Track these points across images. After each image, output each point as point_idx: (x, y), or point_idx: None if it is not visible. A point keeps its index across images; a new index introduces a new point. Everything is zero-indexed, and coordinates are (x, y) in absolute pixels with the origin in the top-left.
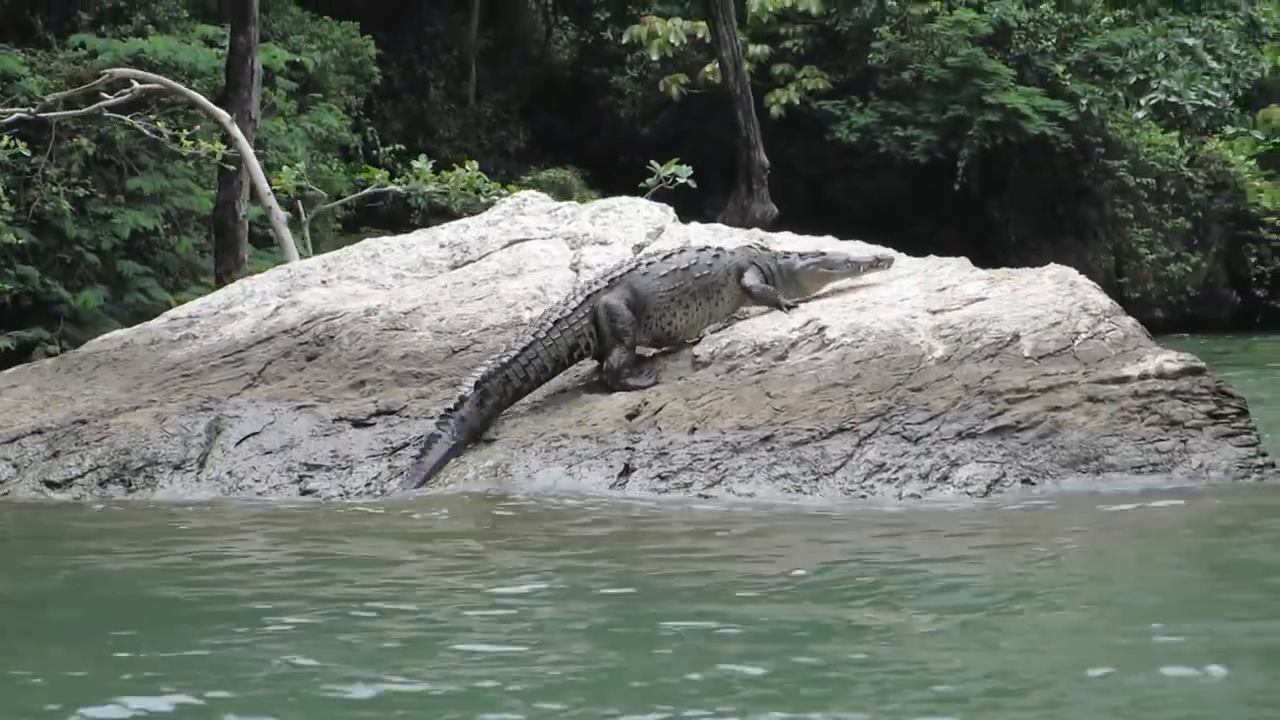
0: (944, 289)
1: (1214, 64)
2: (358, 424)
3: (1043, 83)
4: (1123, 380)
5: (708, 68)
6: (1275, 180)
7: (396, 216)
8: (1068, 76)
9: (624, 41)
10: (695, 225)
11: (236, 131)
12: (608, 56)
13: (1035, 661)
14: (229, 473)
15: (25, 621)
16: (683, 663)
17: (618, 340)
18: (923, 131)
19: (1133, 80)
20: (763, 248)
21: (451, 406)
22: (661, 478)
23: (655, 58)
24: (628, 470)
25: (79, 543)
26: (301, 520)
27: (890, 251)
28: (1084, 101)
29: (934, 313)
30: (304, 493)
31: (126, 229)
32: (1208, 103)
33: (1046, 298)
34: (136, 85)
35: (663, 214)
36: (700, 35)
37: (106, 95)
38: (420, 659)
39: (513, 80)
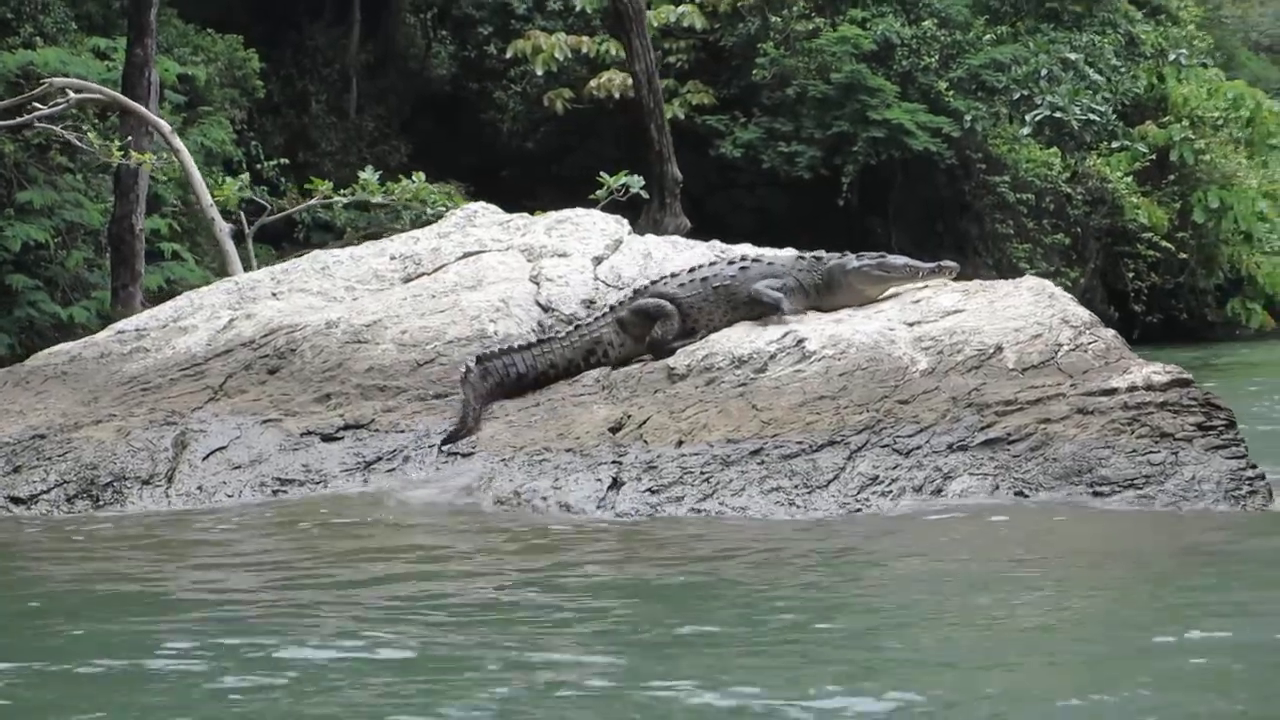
0: (919, 301)
1: (1096, 77)
2: (326, 438)
3: (926, 99)
4: (1111, 392)
5: (593, 82)
6: (1152, 196)
7: (280, 233)
8: (951, 93)
9: (508, 56)
10: (651, 237)
11: (177, 142)
12: (487, 71)
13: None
14: (199, 487)
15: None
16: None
17: (661, 316)
18: (806, 147)
19: (1016, 96)
20: (815, 257)
21: (463, 371)
22: (652, 491)
23: (540, 72)
24: (616, 484)
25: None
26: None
27: (951, 262)
28: (967, 118)
29: (911, 325)
30: None
31: (18, 242)
32: (1092, 117)
33: (1025, 310)
34: (72, 95)
35: (619, 226)
36: (584, 50)
37: (39, 105)
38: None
39: (393, 94)
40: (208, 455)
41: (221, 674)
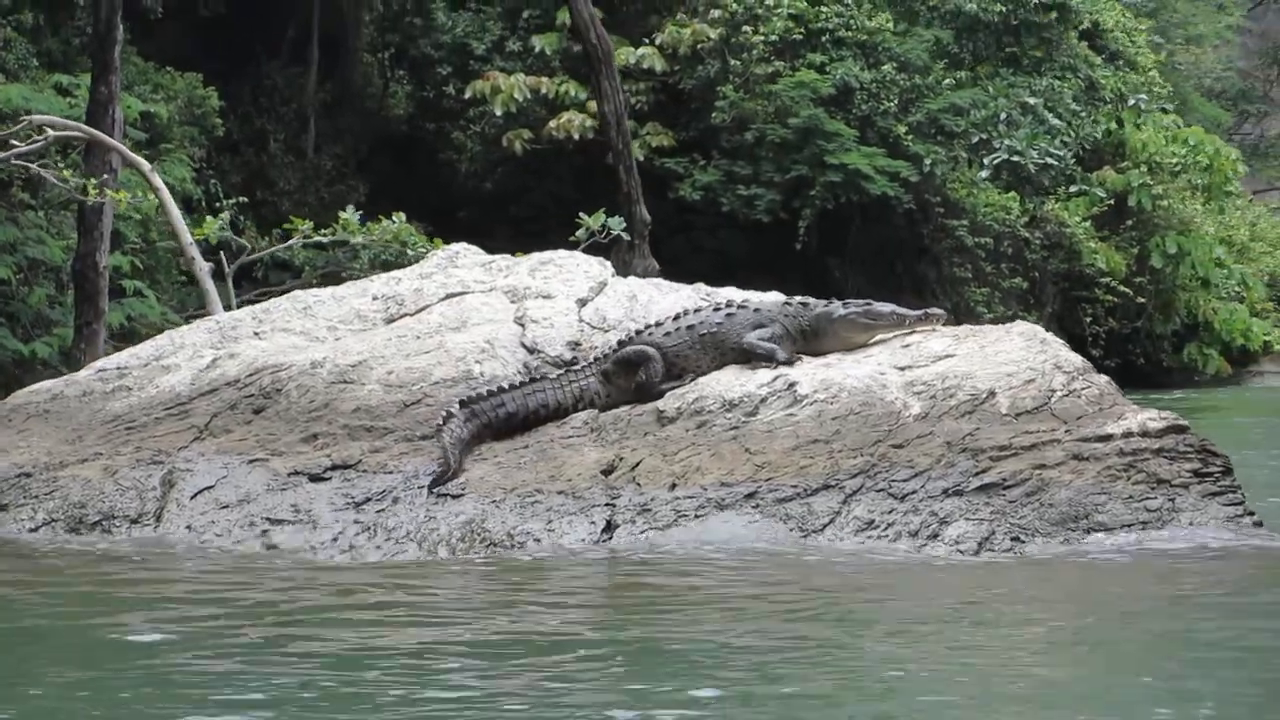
0: (909, 345)
1: (1055, 121)
2: (314, 478)
3: (885, 143)
4: (1106, 438)
5: (552, 123)
6: (1110, 241)
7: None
8: (910, 137)
9: (466, 96)
10: (634, 279)
11: (157, 180)
12: (445, 111)
13: None
14: (188, 527)
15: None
16: None
17: (645, 362)
18: (765, 190)
19: (975, 140)
20: (802, 303)
21: (444, 416)
22: (645, 533)
23: (499, 113)
24: (610, 526)
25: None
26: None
27: (938, 310)
28: (926, 162)
29: (902, 369)
30: (268, 547)
31: None
32: (1050, 161)
33: (1018, 355)
34: (50, 132)
35: (601, 268)
36: (543, 91)
37: (17, 143)
38: None
39: (350, 133)
40: (195, 494)
41: None
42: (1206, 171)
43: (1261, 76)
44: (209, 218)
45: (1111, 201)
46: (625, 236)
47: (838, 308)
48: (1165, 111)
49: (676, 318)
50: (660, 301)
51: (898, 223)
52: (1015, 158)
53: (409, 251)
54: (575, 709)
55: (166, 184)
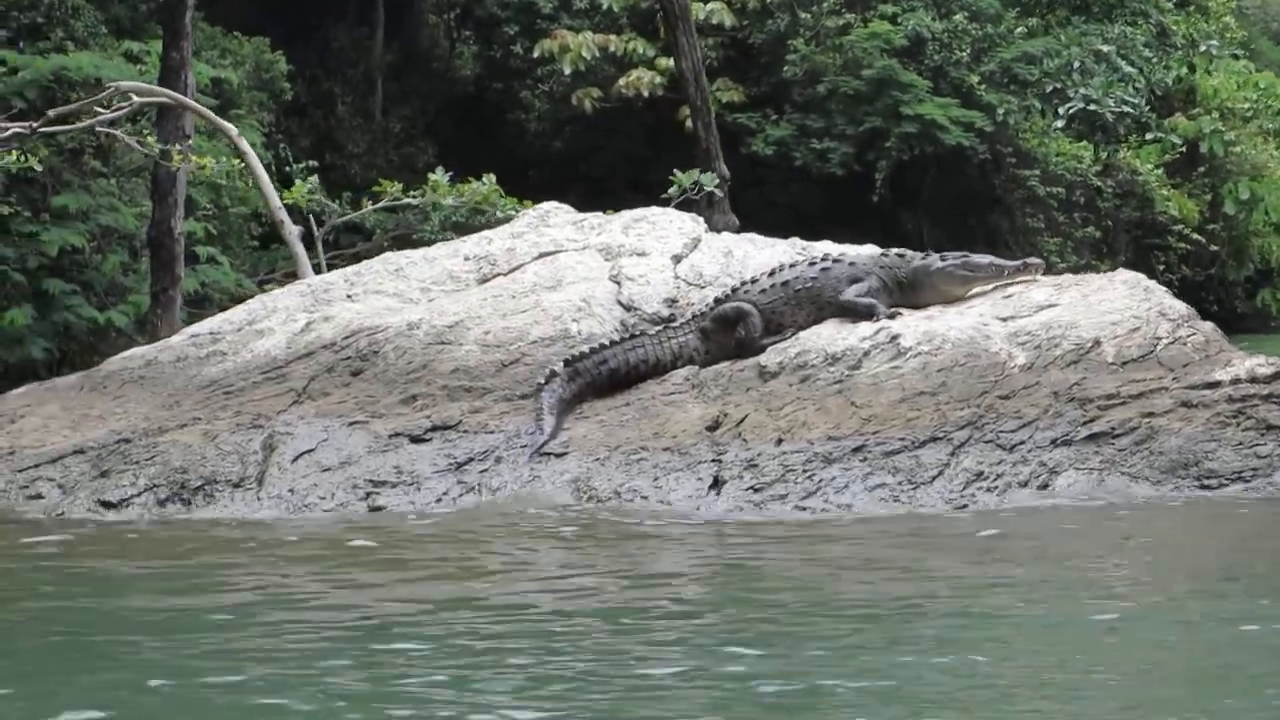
0: (1010, 296)
1: (1128, 68)
2: (415, 439)
3: (958, 93)
4: (1214, 385)
5: (621, 81)
6: (1182, 189)
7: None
8: (983, 87)
9: (535, 55)
10: (729, 235)
11: (245, 145)
12: (512, 71)
13: None
14: (290, 490)
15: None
16: None
17: (744, 318)
18: (838, 144)
19: (1048, 89)
20: (899, 254)
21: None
22: (755, 489)
23: (568, 72)
24: (718, 482)
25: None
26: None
27: (1036, 259)
28: (1000, 111)
29: (1004, 320)
30: (373, 509)
31: (55, 247)
32: (1126, 109)
33: (1121, 303)
34: (135, 99)
35: (695, 224)
36: (612, 49)
37: (102, 110)
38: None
39: (418, 95)
40: (296, 458)
41: None
42: (1279, 116)
43: None
44: (298, 181)
45: (1184, 148)
46: (719, 193)
47: (935, 260)
48: (1236, 57)
49: (772, 274)
50: (756, 257)
51: (970, 174)
52: (1092, 106)
53: (484, 213)
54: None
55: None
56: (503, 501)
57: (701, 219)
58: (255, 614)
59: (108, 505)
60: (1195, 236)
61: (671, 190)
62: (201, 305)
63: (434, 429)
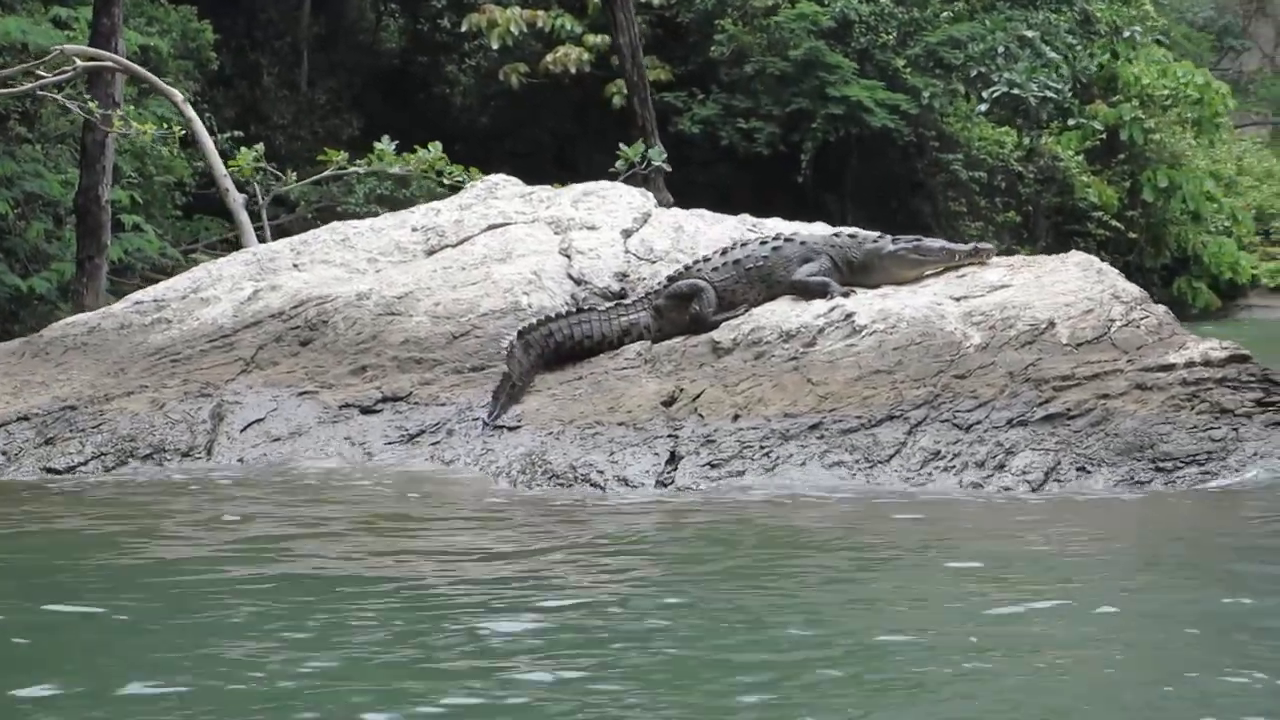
0: (963, 275)
1: (1052, 54)
2: (366, 410)
3: (884, 76)
4: (1169, 368)
5: (549, 57)
6: (1102, 175)
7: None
8: (908, 70)
9: (462, 30)
10: (678, 210)
11: (190, 112)
12: (439, 45)
13: None
14: (240, 460)
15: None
16: None
17: (698, 294)
18: (765, 124)
19: (973, 74)
20: (850, 235)
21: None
22: (712, 465)
23: (495, 47)
24: (675, 458)
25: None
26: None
27: (988, 245)
28: (925, 95)
29: (958, 299)
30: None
31: None
32: (1049, 94)
33: (1075, 285)
34: (79, 64)
35: (644, 199)
36: (539, 24)
37: (44, 74)
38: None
39: (344, 68)
40: (245, 427)
41: None
42: (1197, 105)
43: (1240, 11)
44: (243, 149)
45: (1104, 135)
46: (666, 168)
47: (887, 243)
48: (1159, 44)
49: (724, 252)
50: (706, 232)
51: (893, 157)
52: (1015, 90)
53: (409, 186)
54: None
55: (163, 118)
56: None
57: (650, 194)
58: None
59: (53, 472)
60: (1114, 223)
61: (618, 164)
62: (125, 274)
63: (385, 400)
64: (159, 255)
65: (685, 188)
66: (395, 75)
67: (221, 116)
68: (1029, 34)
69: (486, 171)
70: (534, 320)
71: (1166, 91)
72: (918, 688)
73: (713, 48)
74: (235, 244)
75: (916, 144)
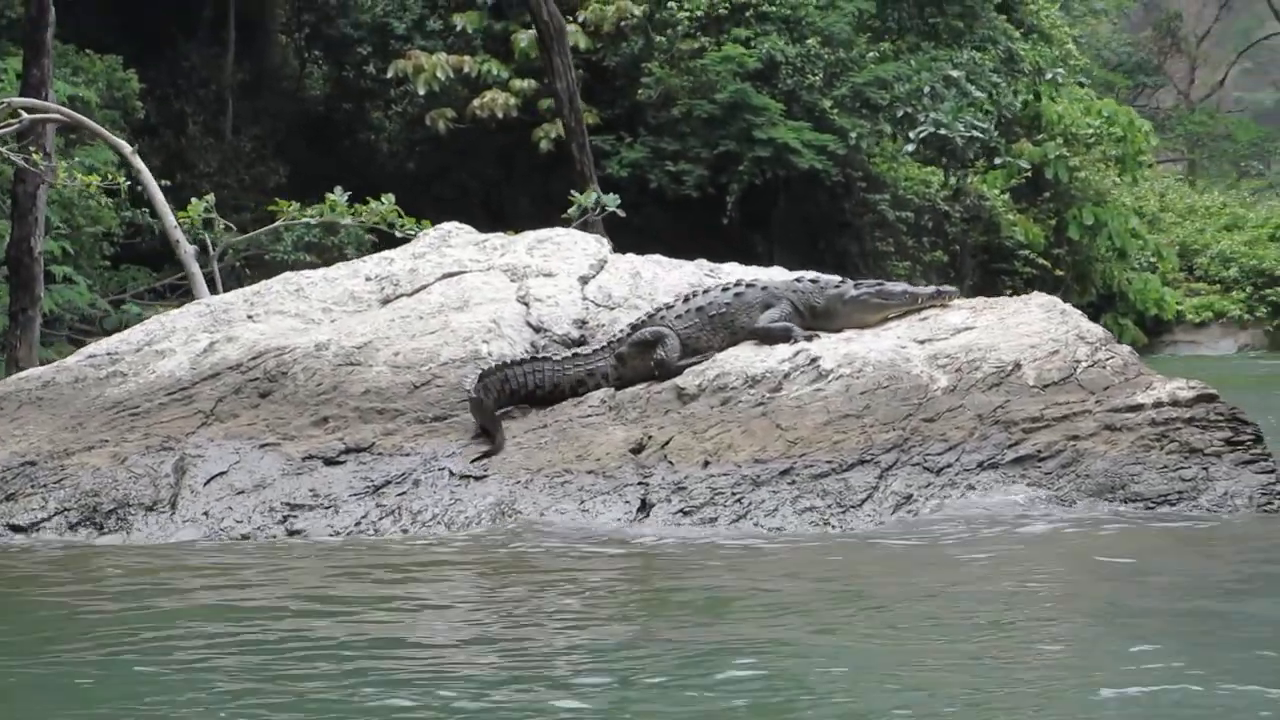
0: (925, 318)
1: (977, 94)
2: (329, 462)
3: (810, 117)
4: (1137, 408)
5: (475, 102)
6: (1028, 214)
7: (157, 253)
8: (835, 111)
9: (389, 76)
10: (634, 256)
11: (139, 163)
12: (364, 91)
13: None
14: (205, 513)
15: None
16: None
17: (660, 342)
18: (693, 166)
19: (899, 114)
20: (812, 280)
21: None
22: (684, 513)
23: (422, 92)
24: (645, 505)
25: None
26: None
27: (950, 288)
28: (852, 135)
29: (922, 342)
30: (290, 534)
31: None
32: (975, 134)
33: (1038, 326)
34: (25, 115)
35: (599, 245)
36: (466, 69)
37: None
38: None
39: (269, 115)
40: (209, 480)
41: None
42: (1120, 143)
43: (1154, 48)
44: (194, 200)
45: (1029, 174)
46: (620, 214)
47: (849, 288)
48: (1081, 84)
49: (686, 299)
50: (664, 278)
51: (821, 198)
52: (942, 130)
53: (337, 233)
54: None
55: (91, 169)
56: (425, 525)
57: (606, 240)
58: None
59: (16, 529)
60: (1041, 261)
61: (571, 211)
62: (54, 325)
63: (348, 451)
64: (88, 306)
65: (614, 231)
66: (320, 122)
67: (148, 165)
68: (954, 74)
69: (416, 216)
70: (493, 364)
71: (1090, 129)
72: None
73: (640, 91)
74: (162, 293)
75: (844, 184)
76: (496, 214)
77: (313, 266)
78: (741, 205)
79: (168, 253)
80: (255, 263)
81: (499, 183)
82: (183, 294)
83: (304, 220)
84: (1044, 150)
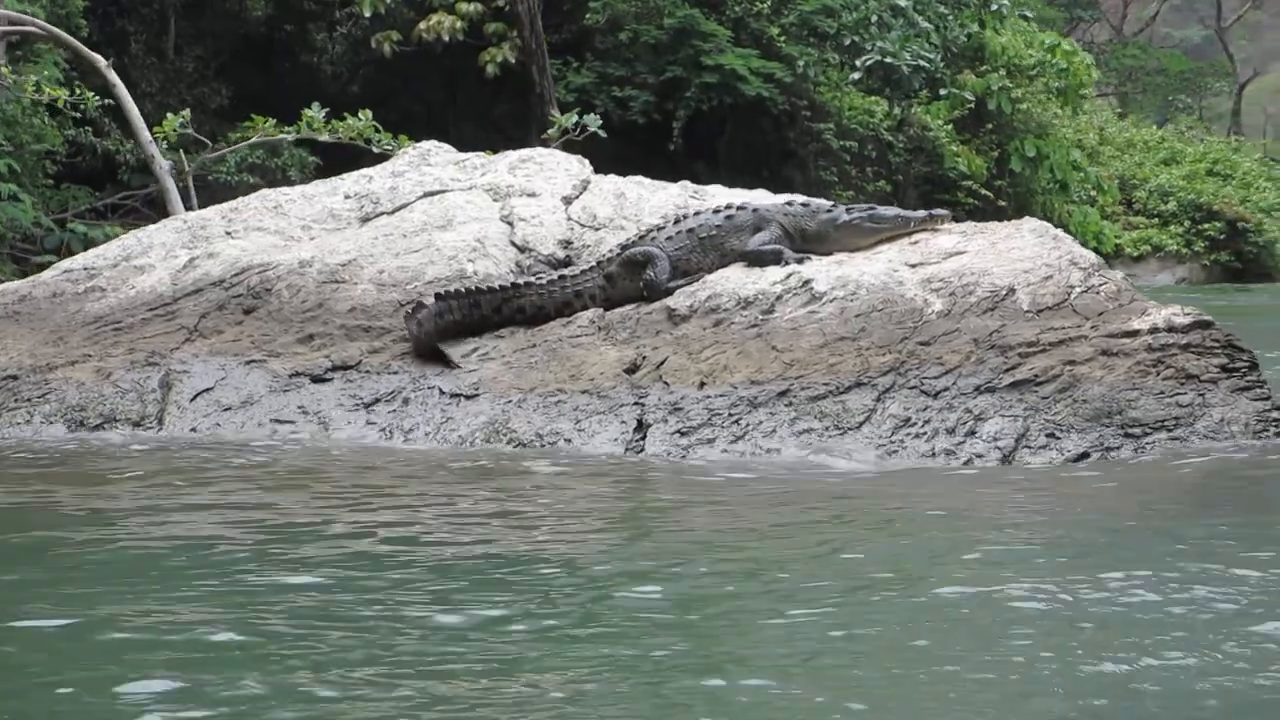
0: (916, 242)
1: (924, 24)
2: (316, 379)
3: (758, 45)
4: (1133, 334)
5: (422, 24)
6: (971, 145)
7: (97, 173)
8: (782, 39)
9: None
10: (615, 177)
11: (114, 77)
12: (306, 13)
13: None
14: (192, 429)
15: None
16: None
17: (650, 262)
18: (640, 92)
19: (847, 43)
20: (803, 204)
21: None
22: (682, 433)
23: (367, 14)
24: (642, 426)
25: None
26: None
27: (943, 210)
28: (800, 64)
29: (913, 266)
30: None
31: None
32: (922, 64)
33: (1031, 251)
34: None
35: (581, 166)
36: None
37: None
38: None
39: (211, 35)
40: (195, 396)
41: None
42: (1062, 75)
43: None
44: (169, 115)
45: (972, 105)
46: (602, 134)
47: (841, 212)
48: (1025, 18)
49: (676, 221)
50: (649, 199)
51: (766, 126)
52: (888, 59)
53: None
54: None
55: (38, 84)
56: (417, 443)
57: (587, 161)
58: None
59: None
60: (983, 192)
61: (551, 131)
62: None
63: (334, 369)
64: (32, 225)
65: None
66: (263, 43)
67: (90, 83)
68: (902, 3)
69: None
70: (461, 287)
71: (1033, 61)
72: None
73: (587, 15)
74: (104, 213)
75: (789, 113)
76: (441, 138)
77: (255, 188)
78: (687, 132)
79: (108, 173)
80: (200, 184)
81: (444, 106)
82: (124, 213)
83: (281, 137)
84: (987, 81)
